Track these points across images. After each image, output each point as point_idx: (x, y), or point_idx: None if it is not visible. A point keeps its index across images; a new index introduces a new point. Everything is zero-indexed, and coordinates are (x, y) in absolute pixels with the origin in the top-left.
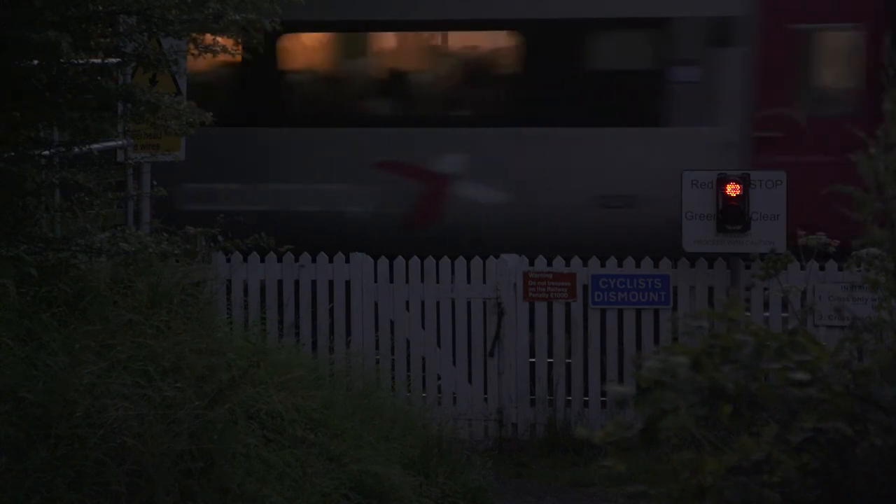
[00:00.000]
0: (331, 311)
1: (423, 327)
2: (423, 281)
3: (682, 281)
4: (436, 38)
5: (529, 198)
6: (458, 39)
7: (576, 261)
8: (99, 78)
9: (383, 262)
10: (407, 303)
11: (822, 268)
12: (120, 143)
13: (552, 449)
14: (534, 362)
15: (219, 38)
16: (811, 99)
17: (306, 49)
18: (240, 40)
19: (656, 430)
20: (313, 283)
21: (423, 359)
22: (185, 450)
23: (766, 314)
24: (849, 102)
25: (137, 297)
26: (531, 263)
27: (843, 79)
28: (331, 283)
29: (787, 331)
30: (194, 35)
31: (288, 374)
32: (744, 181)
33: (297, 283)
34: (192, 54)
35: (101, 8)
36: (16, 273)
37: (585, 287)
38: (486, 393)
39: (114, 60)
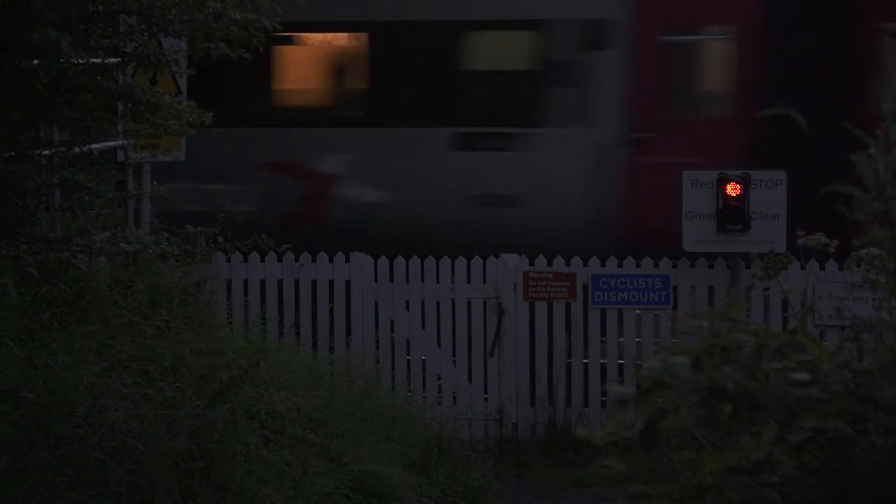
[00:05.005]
0: (331, 310)
1: (423, 327)
2: (423, 281)
3: (682, 281)
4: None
5: (410, 197)
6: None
7: (576, 261)
8: (99, 78)
9: (383, 261)
10: (407, 302)
11: (822, 268)
12: (120, 143)
13: (552, 449)
14: (534, 362)
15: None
16: (686, 102)
17: None
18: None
19: (656, 430)
20: (313, 282)
21: (423, 359)
22: (185, 450)
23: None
24: (721, 106)
25: (137, 297)
26: (531, 263)
27: (716, 83)
28: (331, 282)
29: (787, 331)
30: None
31: (288, 373)
32: (744, 181)
33: (297, 282)
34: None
35: (101, 8)
36: (16, 273)
37: (585, 287)
38: (486, 393)
39: (114, 60)
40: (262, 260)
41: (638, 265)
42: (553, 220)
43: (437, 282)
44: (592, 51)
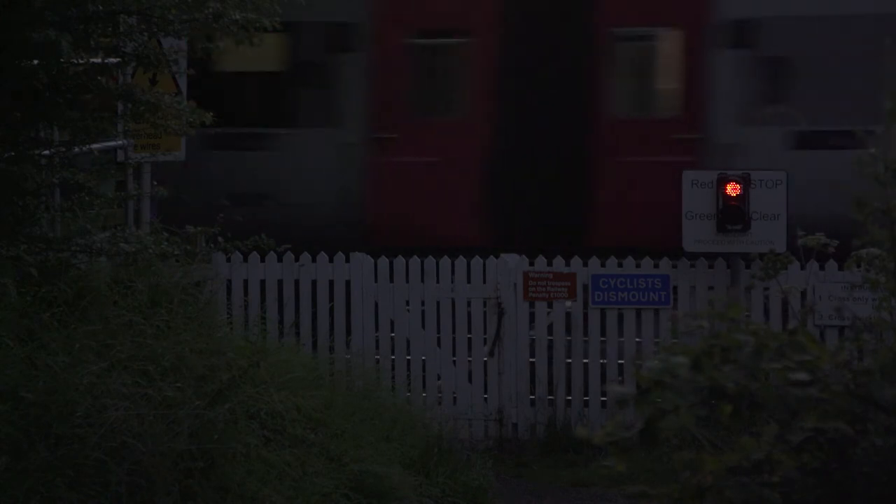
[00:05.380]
0: (331, 310)
1: (423, 327)
2: (423, 281)
3: (682, 281)
4: None
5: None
6: None
7: (576, 260)
8: (99, 78)
9: (383, 261)
10: (407, 302)
11: (822, 268)
12: (120, 143)
13: (552, 449)
14: (534, 362)
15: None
16: (428, 103)
17: None
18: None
19: (656, 430)
20: (313, 282)
21: (423, 359)
22: (185, 450)
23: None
24: (461, 107)
25: (137, 297)
26: (531, 263)
27: (456, 85)
28: (331, 282)
29: (787, 331)
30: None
31: (288, 373)
32: (744, 181)
33: (297, 282)
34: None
35: (101, 8)
36: (16, 273)
37: (585, 287)
38: (486, 393)
39: (114, 60)
40: (262, 260)
41: (638, 265)
42: (305, 217)
43: (437, 282)
44: (339, 53)
